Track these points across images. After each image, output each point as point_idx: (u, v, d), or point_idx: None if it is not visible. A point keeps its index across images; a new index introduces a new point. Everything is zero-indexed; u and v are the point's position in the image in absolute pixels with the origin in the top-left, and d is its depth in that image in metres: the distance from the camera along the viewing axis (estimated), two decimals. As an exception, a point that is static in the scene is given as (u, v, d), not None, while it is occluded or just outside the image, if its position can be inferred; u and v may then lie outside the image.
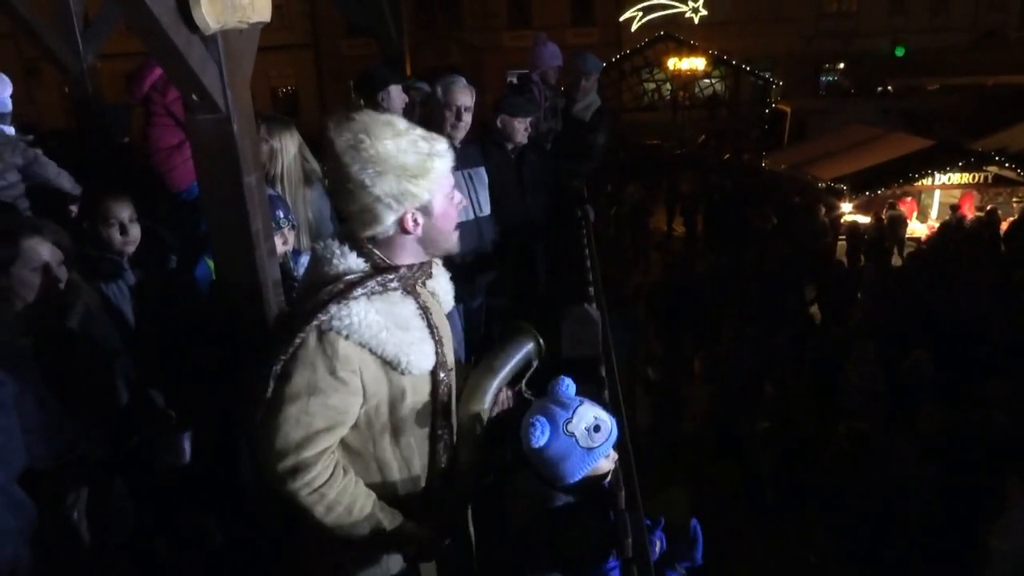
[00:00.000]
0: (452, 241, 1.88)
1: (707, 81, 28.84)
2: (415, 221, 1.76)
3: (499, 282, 3.77)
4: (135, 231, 2.51)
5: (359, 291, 1.70)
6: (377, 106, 3.79)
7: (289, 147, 3.09)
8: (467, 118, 3.45)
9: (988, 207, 12.95)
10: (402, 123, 1.76)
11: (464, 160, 3.48)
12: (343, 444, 1.81)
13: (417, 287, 1.86)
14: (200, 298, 2.62)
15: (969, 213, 12.91)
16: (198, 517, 2.59)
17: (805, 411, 7.63)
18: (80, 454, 2.01)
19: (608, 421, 1.84)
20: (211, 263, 2.71)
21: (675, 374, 8.50)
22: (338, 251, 1.76)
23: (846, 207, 13.06)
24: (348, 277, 1.72)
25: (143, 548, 2.34)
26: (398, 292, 1.80)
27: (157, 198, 3.20)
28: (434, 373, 1.87)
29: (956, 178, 13.11)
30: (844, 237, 12.76)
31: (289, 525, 2.02)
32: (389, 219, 1.74)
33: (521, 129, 3.87)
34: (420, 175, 1.72)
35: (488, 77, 23.78)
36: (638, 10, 28.09)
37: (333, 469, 1.75)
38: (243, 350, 2.41)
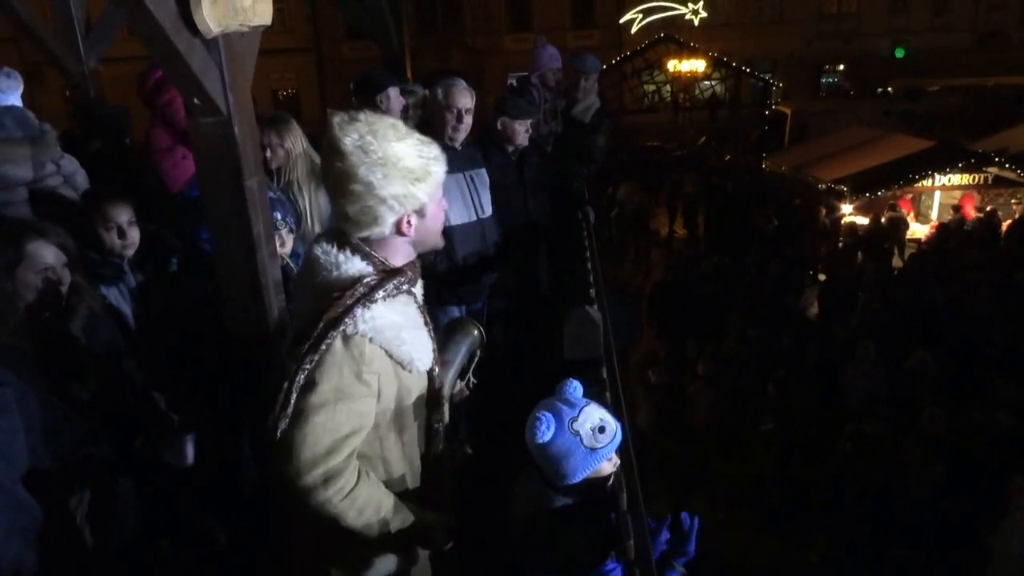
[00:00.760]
0: (439, 241, 1.91)
1: (707, 83, 28.88)
2: (409, 223, 1.77)
3: (501, 284, 3.77)
4: (134, 234, 2.51)
5: (380, 294, 1.73)
6: (376, 108, 3.81)
7: (299, 146, 3.11)
8: (468, 120, 3.46)
9: (988, 208, 12.95)
10: (403, 127, 1.77)
11: (465, 162, 3.49)
12: None
13: (413, 288, 1.88)
14: (201, 301, 2.62)
15: (970, 214, 12.90)
16: (201, 519, 2.59)
17: (808, 412, 7.63)
18: (84, 455, 2.01)
19: (613, 424, 1.85)
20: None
21: (678, 376, 8.49)
22: (340, 255, 1.75)
23: (847, 208, 13.05)
24: (367, 280, 1.73)
25: (146, 550, 2.35)
26: (405, 294, 1.83)
27: (158, 200, 3.20)
28: (430, 369, 1.91)
29: (956, 179, 13.10)
30: (844, 238, 12.76)
31: (290, 527, 2.03)
32: (389, 220, 1.75)
33: (522, 131, 3.88)
34: (422, 178, 1.74)
35: (489, 80, 23.81)
36: (638, 12, 28.14)
37: (359, 473, 1.77)
38: (244, 352, 2.42)
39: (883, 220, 12.61)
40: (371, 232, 1.76)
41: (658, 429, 7.53)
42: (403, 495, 1.91)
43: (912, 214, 13.40)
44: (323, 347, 1.68)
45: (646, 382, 8.18)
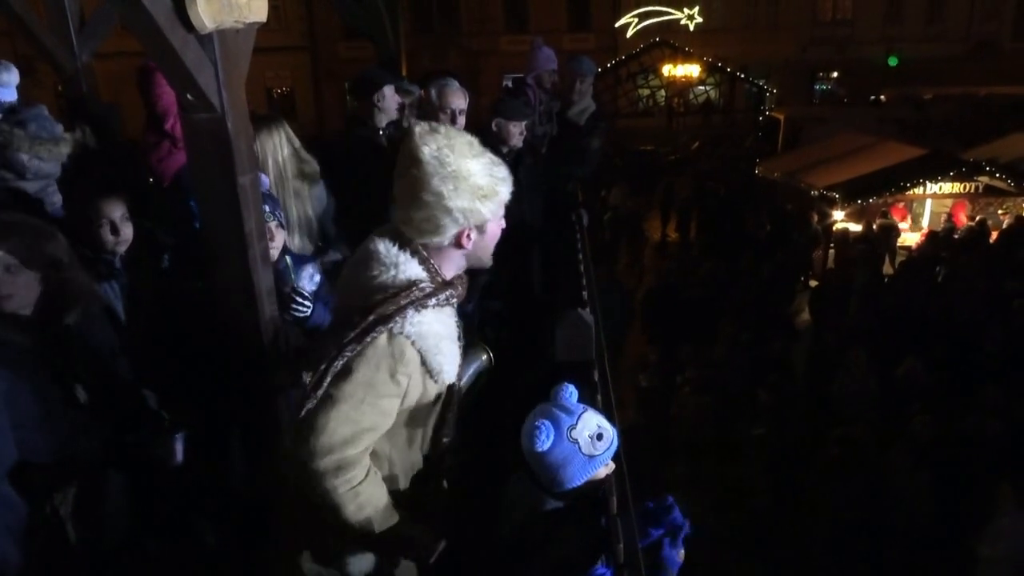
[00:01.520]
0: (489, 259, 1.97)
1: (702, 88, 28.97)
2: (469, 237, 1.84)
3: (494, 286, 3.77)
4: (127, 230, 2.49)
5: (433, 301, 1.79)
6: (373, 107, 3.80)
7: (279, 146, 3.06)
8: (461, 121, 3.46)
9: (978, 217, 13.03)
10: (478, 145, 1.84)
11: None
12: None
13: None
14: (193, 298, 2.61)
15: (961, 222, 12.98)
16: (190, 518, 2.58)
17: (799, 418, 7.65)
18: (73, 452, 2.00)
19: (610, 430, 1.86)
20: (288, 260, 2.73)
21: (669, 380, 8.50)
22: (402, 255, 1.81)
23: (838, 215, 13.11)
24: (422, 285, 1.79)
25: (134, 549, 2.33)
26: (451, 306, 1.90)
27: (150, 195, 3.18)
28: (451, 384, 1.96)
29: (948, 187, 13.17)
30: (835, 244, 12.82)
31: (279, 526, 2.02)
32: (451, 232, 1.81)
33: (516, 132, 3.88)
34: (489, 196, 1.81)
35: (485, 81, 23.83)
36: (634, 16, 28.20)
37: (369, 468, 1.81)
38: (236, 351, 2.40)
39: (874, 227, 12.68)
40: (431, 240, 1.82)
41: (648, 433, 7.54)
42: (397, 496, 1.92)
43: (908, 221, 13.45)
44: (368, 339, 1.73)
45: (637, 386, 8.18)
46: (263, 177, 2.74)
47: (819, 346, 9.18)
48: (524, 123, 3.96)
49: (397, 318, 1.73)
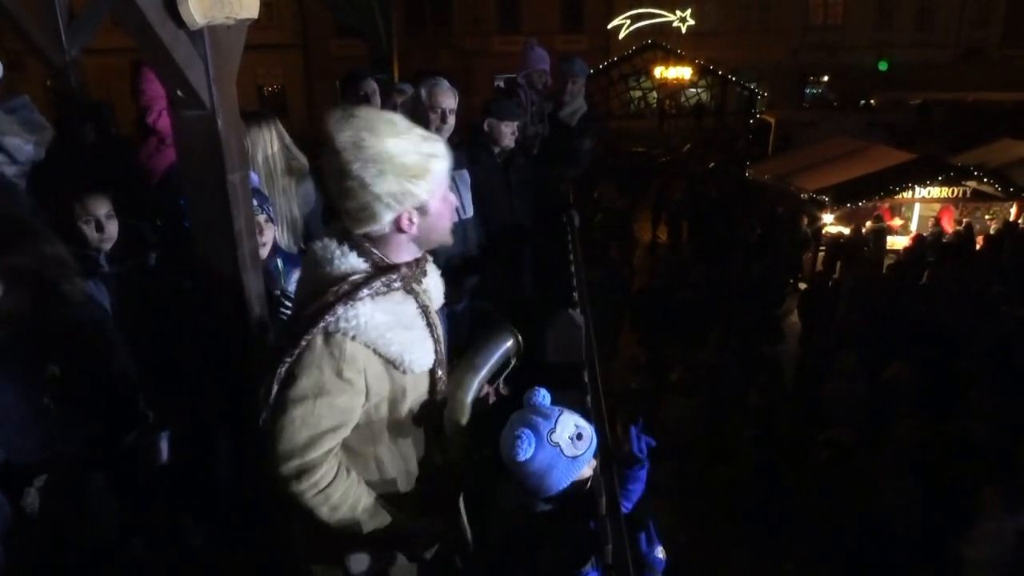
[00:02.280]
0: (446, 237, 1.88)
1: (693, 90, 29.04)
2: (411, 220, 1.76)
3: (484, 286, 3.76)
4: (112, 228, 2.47)
5: (365, 291, 1.71)
6: (368, 100, 3.82)
7: (269, 142, 3.05)
8: (451, 120, 3.46)
9: (965, 221, 13.14)
10: (403, 122, 1.75)
11: (449, 162, 3.48)
12: (343, 444, 1.82)
13: (415, 285, 1.87)
14: (180, 296, 2.59)
15: (948, 227, 13.08)
16: (176, 518, 2.56)
17: (788, 421, 7.68)
18: (58, 451, 1.98)
19: (588, 428, 1.85)
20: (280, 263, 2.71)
21: (658, 382, 8.51)
22: (338, 251, 1.75)
23: (828, 218, 13.18)
24: (353, 278, 1.72)
25: (120, 549, 2.31)
26: (400, 291, 1.81)
27: (139, 193, 3.16)
28: (433, 371, 1.90)
29: (936, 192, 13.27)
30: (824, 247, 12.90)
31: (267, 526, 2.01)
32: (387, 218, 1.73)
33: (508, 133, 3.87)
34: (420, 176, 1.72)
35: (477, 81, 23.80)
36: (627, 18, 28.26)
37: (337, 469, 1.77)
38: (224, 349, 2.39)
39: (864, 231, 12.75)
40: (370, 229, 1.75)
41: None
42: (395, 497, 1.89)
43: (901, 223, 13.53)
44: (303, 343, 1.68)
45: (627, 388, 8.19)
46: (251, 173, 2.72)
47: (808, 348, 9.22)
48: (516, 123, 3.95)
49: (327, 316, 1.67)
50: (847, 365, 7.56)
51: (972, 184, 13.18)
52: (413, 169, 1.70)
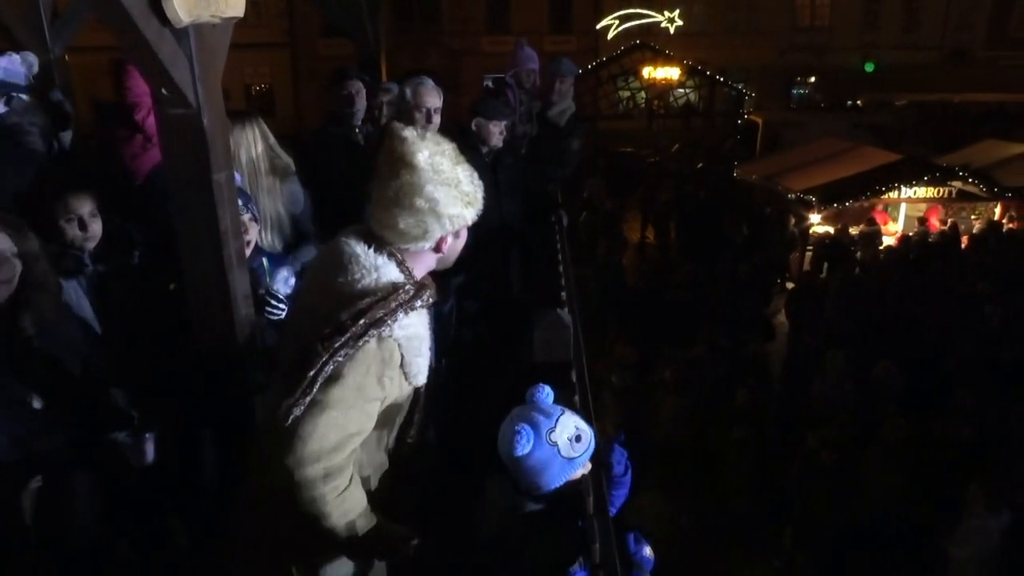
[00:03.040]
0: (454, 261, 1.99)
1: (682, 91, 29.11)
2: (447, 241, 1.86)
3: (472, 285, 3.76)
4: (96, 226, 2.45)
5: (419, 303, 1.81)
6: (351, 99, 3.84)
7: (253, 142, 3.03)
8: (437, 120, 3.45)
9: (950, 221, 13.24)
10: (456, 151, 1.86)
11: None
12: None
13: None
14: (165, 296, 2.57)
15: (934, 226, 13.18)
16: (161, 519, 2.54)
17: (776, 420, 7.71)
18: (37, 451, 1.96)
19: (588, 431, 1.85)
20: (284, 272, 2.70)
21: (646, 381, 8.53)
22: (378, 260, 1.80)
23: (815, 218, 13.25)
24: (407, 288, 1.79)
25: (105, 550, 2.29)
26: (429, 307, 1.91)
27: (124, 191, 3.13)
28: (419, 387, 1.96)
29: (922, 192, 13.37)
30: (812, 247, 12.96)
31: (251, 526, 2.00)
32: (435, 237, 1.83)
33: (496, 132, 3.87)
34: (472, 203, 1.86)
35: (466, 81, 23.75)
36: (615, 18, 28.30)
37: (352, 474, 1.80)
38: (209, 350, 2.37)
39: (854, 232, 12.82)
40: (413, 244, 1.83)
41: (625, 434, 7.55)
42: (370, 498, 1.90)
43: (890, 224, 13.61)
44: (360, 343, 1.70)
45: (614, 387, 8.20)
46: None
47: (795, 348, 9.26)
48: (504, 123, 3.94)
49: (388, 321, 1.73)
50: (834, 364, 7.60)
51: (957, 184, 13.28)
52: (469, 196, 1.85)
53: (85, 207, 2.42)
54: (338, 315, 1.72)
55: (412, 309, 1.78)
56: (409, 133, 1.79)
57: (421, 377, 1.89)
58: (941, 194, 13.43)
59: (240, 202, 2.49)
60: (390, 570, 2.06)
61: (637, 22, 28.32)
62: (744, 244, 12.61)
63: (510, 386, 2.23)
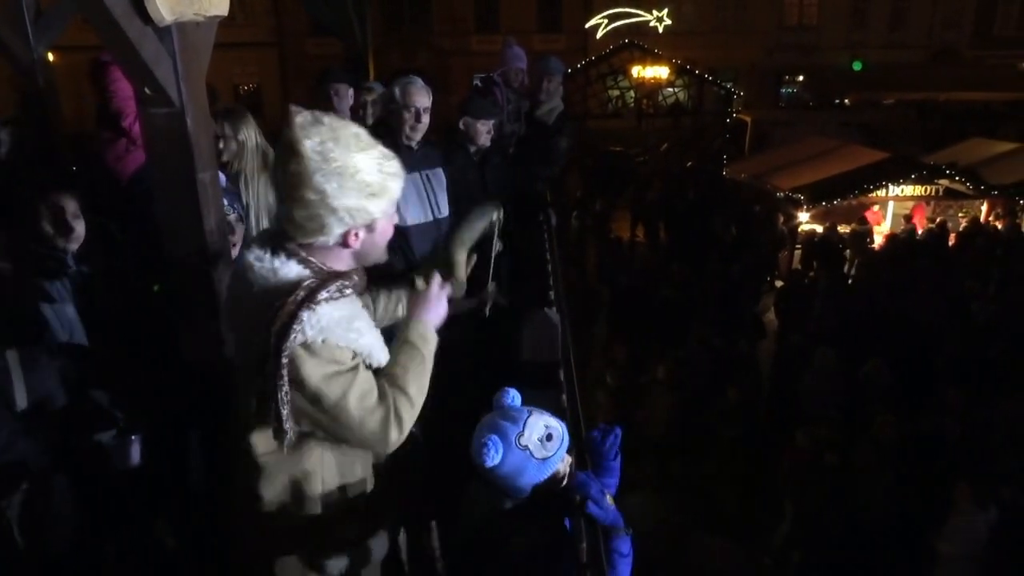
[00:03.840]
0: (383, 256, 1.87)
1: (671, 90, 29.16)
2: (357, 236, 1.73)
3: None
4: (79, 227, 2.42)
5: (323, 295, 1.67)
6: (329, 100, 3.82)
7: (256, 132, 3.06)
8: (425, 119, 3.43)
9: (938, 219, 13.32)
10: (367, 137, 1.72)
11: (423, 162, 3.46)
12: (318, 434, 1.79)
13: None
14: (149, 297, 2.55)
15: (920, 225, 13.26)
16: (148, 522, 2.52)
17: (765, 417, 7.73)
18: (17, 454, 1.93)
19: (559, 427, 1.84)
20: None
21: (636, 379, 8.55)
22: (276, 260, 1.70)
23: (804, 216, 13.31)
24: (307, 283, 1.67)
25: (91, 554, 2.27)
26: (352, 295, 1.79)
27: (108, 192, 3.11)
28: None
29: (909, 190, 13.45)
30: (800, 245, 13.02)
31: (239, 528, 1.98)
32: (336, 231, 1.70)
33: (484, 131, 3.86)
34: (378, 194, 1.69)
35: (455, 80, 23.73)
36: (604, 17, 28.32)
37: (383, 389, 1.77)
38: (194, 351, 2.36)
39: (843, 230, 12.88)
40: (315, 240, 1.71)
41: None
42: (358, 486, 1.88)
43: (878, 225, 13.68)
44: (284, 362, 1.62)
45: (605, 385, 8.21)
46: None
47: (785, 346, 9.30)
48: (492, 122, 3.94)
49: (294, 327, 1.62)
50: (823, 362, 7.63)
51: (945, 183, 13.38)
52: (373, 187, 1.68)
53: (68, 208, 2.40)
54: (255, 336, 1.65)
55: (315, 303, 1.64)
56: (301, 118, 1.62)
57: (380, 359, 1.79)
58: (928, 192, 13.53)
59: (225, 202, 2.48)
60: (384, 566, 2.04)
61: (626, 21, 28.35)
62: (733, 243, 12.65)
63: (498, 386, 2.22)
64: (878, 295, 9.86)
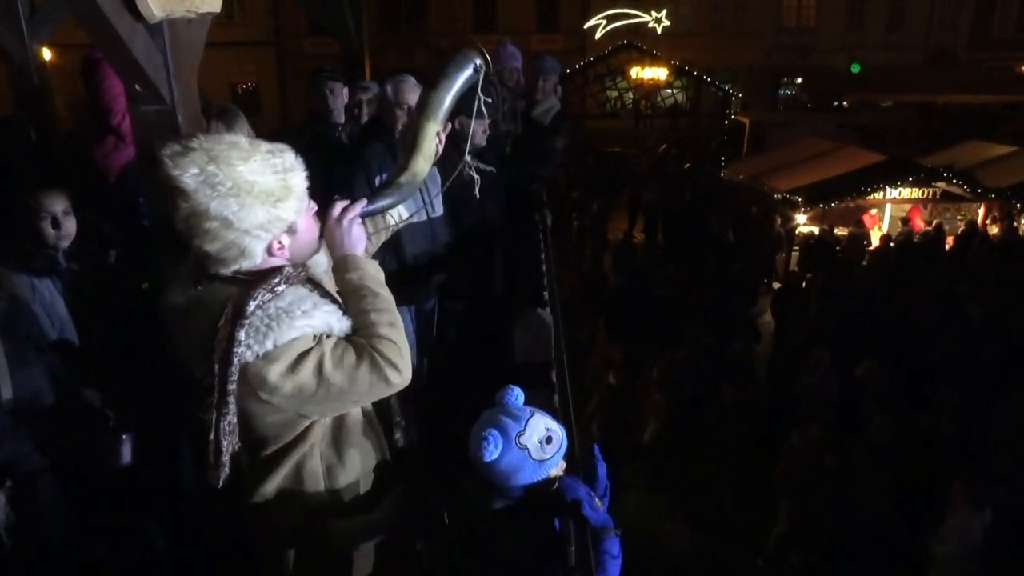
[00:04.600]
0: (316, 248, 1.78)
1: (669, 91, 29.18)
2: (281, 244, 1.65)
3: (454, 284, 3.74)
4: (70, 225, 2.42)
5: (251, 305, 1.55)
6: (324, 98, 3.82)
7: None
8: None
9: (935, 222, 13.34)
10: (244, 141, 1.60)
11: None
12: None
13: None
14: (139, 295, 2.54)
15: (918, 227, 13.28)
16: (139, 520, 2.51)
17: (761, 418, 7.72)
18: (5, 453, 1.93)
19: (559, 431, 1.83)
20: None
21: (633, 380, 8.54)
22: (199, 287, 1.62)
23: (801, 218, 13.32)
24: (233, 299, 1.56)
25: (81, 553, 2.26)
26: (284, 288, 1.66)
27: (97, 190, 3.10)
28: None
29: (906, 193, 13.46)
30: (798, 247, 13.03)
31: (231, 529, 1.97)
32: (258, 250, 1.60)
33: (479, 131, 3.84)
34: (284, 197, 1.59)
35: (452, 80, 23.69)
36: (602, 18, 28.34)
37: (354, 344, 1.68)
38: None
39: (840, 232, 12.88)
40: (240, 266, 1.61)
41: (611, 433, 7.56)
42: (353, 487, 1.86)
43: (875, 227, 13.69)
44: (231, 388, 1.55)
45: (600, 386, 8.20)
46: None
47: (781, 346, 9.30)
48: (487, 121, 3.92)
49: (235, 351, 1.52)
50: (819, 363, 7.63)
51: (942, 185, 13.39)
52: (275, 192, 1.57)
53: (59, 205, 2.39)
54: (200, 366, 1.58)
55: (251, 316, 1.54)
56: (166, 154, 1.51)
57: (340, 327, 1.68)
58: (925, 195, 13.54)
59: None
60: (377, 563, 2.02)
61: (624, 22, 28.37)
62: (730, 244, 12.65)
63: (492, 386, 2.21)
64: (874, 296, 9.87)
